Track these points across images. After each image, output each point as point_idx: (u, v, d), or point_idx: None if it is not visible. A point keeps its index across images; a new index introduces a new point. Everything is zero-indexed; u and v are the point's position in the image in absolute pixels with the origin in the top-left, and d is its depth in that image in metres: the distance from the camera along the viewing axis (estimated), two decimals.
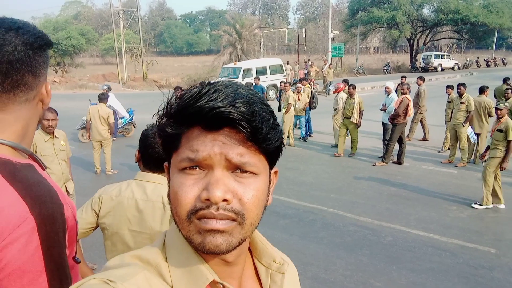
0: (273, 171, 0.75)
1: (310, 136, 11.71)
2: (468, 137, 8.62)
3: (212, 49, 74.44)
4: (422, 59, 37.60)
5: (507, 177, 7.98)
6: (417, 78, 11.23)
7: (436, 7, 37.67)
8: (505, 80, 11.50)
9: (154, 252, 0.72)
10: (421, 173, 8.28)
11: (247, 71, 19.06)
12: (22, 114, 0.96)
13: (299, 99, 10.70)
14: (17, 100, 0.94)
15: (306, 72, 24.39)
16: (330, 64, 22.73)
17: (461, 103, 8.74)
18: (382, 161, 8.85)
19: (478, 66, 41.11)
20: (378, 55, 56.09)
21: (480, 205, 6.45)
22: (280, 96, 13.19)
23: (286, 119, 10.40)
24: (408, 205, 6.62)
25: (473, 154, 8.96)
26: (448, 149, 9.49)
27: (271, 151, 0.69)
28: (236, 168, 0.66)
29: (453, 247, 5.17)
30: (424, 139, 11.07)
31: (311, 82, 17.14)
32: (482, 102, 8.66)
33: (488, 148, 6.71)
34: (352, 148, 9.63)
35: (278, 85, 19.76)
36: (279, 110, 11.32)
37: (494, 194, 6.46)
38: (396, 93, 9.69)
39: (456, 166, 8.61)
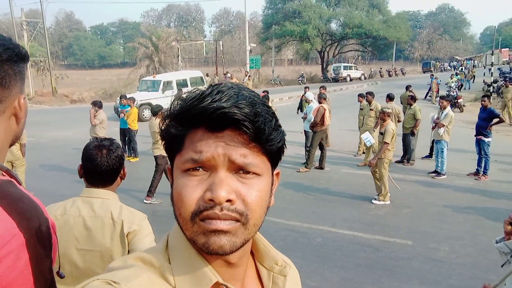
0: (275, 172, 0.75)
1: None
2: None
3: (127, 62, 72.04)
4: (333, 70, 40.17)
5: (421, 176, 8.84)
6: (320, 88, 12.00)
7: (342, 22, 40.61)
8: (407, 88, 12.76)
9: (157, 253, 0.71)
10: (341, 176, 8.83)
11: (167, 84, 18.74)
12: None
13: None
14: None
15: None
16: (249, 76, 23.24)
17: (371, 109, 9.58)
18: (305, 167, 9.26)
19: (381, 76, 44.99)
20: (292, 66, 58.61)
21: (378, 199, 7.17)
22: None
23: None
24: (332, 207, 7.02)
25: None
26: (363, 152, 10.23)
27: (274, 152, 0.69)
28: (239, 169, 0.65)
29: (375, 243, 5.59)
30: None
31: None
32: (394, 108, 9.53)
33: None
34: None
35: None
36: None
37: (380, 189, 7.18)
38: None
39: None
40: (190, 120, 0.66)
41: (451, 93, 20.20)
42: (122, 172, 1.98)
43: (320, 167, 9.38)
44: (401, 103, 11.63)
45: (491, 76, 24.53)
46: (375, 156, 7.23)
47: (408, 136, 9.67)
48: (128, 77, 31.50)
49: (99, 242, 1.84)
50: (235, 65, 47.84)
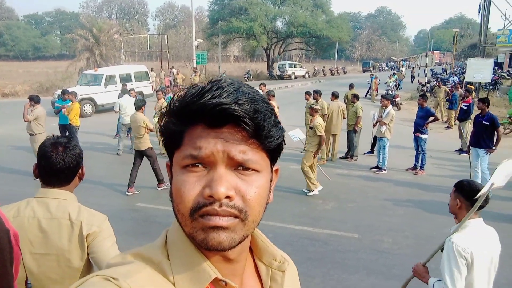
0: (274, 169, 0.75)
1: None
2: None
3: (65, 54, 68.37)
4: (278, 67, 40.77)
5: (364, 171, 9.23)
6: (260, 85, 12.15)
7: (287, 20, 41.22)
8: (351, 86, 13.27)
9: (156, 249, 0.71)
10: (290, 173, 8.99)
11: (110, 78, 18.00)
12: None
13: None
14: None
15: (171, 79, 24.20)
16: (196, 72, 22.96)
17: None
18: None
19: (324, 74, 46.42)
20: (238, 63, 58.71)
21: (309, 191, 7.50)
22: None
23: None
24: (282, 203, 7.15)
25: (331, 152, 10.13)
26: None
27: (273, 148, 0.70)
28: (238, 165, 0.65)
29: (324, 237, 5.78)
30: None
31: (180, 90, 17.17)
32: (339, 105, 9.87)
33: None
34: None
35: (144, 92, 19.20)
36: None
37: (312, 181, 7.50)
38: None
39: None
40: (189, 116, 0.66)
41: (390, 92, 21.32)
42: (80, 171, 1.89)
43: None
44: (345, 102, 12.09)
45: (425, 76, 26.16)
46: (317, 150, 7.49)
47: (351, 133, 10.07)
48: (66, 70, 29.81)
49: (55, 245, 1.74)
50: (180, 60, 46.98)
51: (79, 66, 28.59)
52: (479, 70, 18.39)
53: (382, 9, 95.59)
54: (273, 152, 0.71)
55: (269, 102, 0.71)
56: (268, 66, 43.22)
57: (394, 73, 31.61)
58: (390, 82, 23.81)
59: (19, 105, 9.90)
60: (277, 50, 45.29)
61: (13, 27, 73.70)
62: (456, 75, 28.74)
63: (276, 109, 8.94)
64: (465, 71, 22.71)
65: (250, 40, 40.18)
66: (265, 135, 0.66)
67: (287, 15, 41.21)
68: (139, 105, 7.51)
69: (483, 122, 7.51)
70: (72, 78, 26.03)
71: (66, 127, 9.82)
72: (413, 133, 9.13)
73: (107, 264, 0.69)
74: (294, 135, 8.47)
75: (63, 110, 9.69)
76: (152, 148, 7.50)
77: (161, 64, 31.44)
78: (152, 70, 25.23)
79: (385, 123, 8.80)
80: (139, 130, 7.27)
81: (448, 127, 14.77)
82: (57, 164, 1.78)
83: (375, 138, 9.91)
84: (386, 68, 58.86)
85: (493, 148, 7.46)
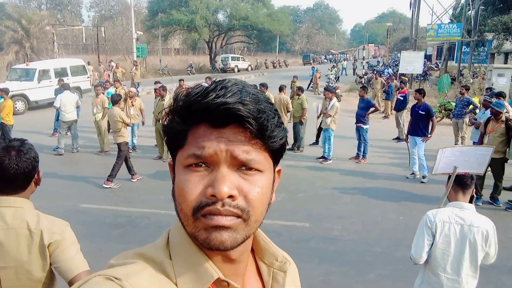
0: (276, 169, 0.75)
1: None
2: None
3: None
4: (221, 60, 40.65)
5: (310, 162, 9.48)
6: (206, 78, 12.13)
7: (229, 13, 41.07)
8: (295, 78, 13.60)
9: (158, 249, 0.71)
10: None
11: (44, 73, 16.93)
12: None
13: (132, 105, 9.85)
14: None
15: (110, 73, 23.26)
16: (137, 65, 22.24)
17: None
18: None
19: (266, 67, 46.95)
20: (180, 56, 57.49)
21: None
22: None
23: (101, 125, 9.71)
24: None
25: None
26: None
27: (276, 148, 0.70)
28: (241, 165, 0.66)
29: (277, 228, 5.89)
30: None
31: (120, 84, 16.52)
32: (281, 99, 10.03)
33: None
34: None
35: (82, 87, 18.32)
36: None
37: None
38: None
39: None
40: (193, 115, 0.66)
41: (330, 84, 22.03)
42: (36, 176, 1.77)
43: None
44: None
45: (363, 68, 27.31)
46: None
47: (297, 125, 10.30)
48: None
49: (13, 257, 1.63)
50: (118, 53, 45.10)
51: (7, 60, 26.65)
52: (411, 63, 19.57)
53: (320, 3, 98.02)
54: (276, 153, 0.72)
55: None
56: (210, 59, 42.87)
57: (334, 65, 32.72)
58: (331, 74, 24.61)
59: None
60: (219, 43, 45.05)
61: None
62: (390, 67, 30.29)
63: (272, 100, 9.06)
64: (398, 63, 24.04)
65: (191, 33, 39.56)
66: (269, 135, 0.67)
67: (228, 7, 41.07)
68: (115, 100, 7.86)
69: (420, 112, 8.01)
70: (0, 73, 24.18)
71: None
72: (355, 123, 9.52)
73: (108, 264, 0.68)
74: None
75: None
76: (127, 143, 7.84)
77: (99, 57, 30.05)
78: (89, 63, 24.07)
79: (330, 115, 9.09)
80: (116, 124, 7.62)
81: (385, 117, 15.57)
82: (11, 170, 1.66)
83: (319, 129, 10.22)
84: (325, 60, 60.73)
85: (429, 136, 7.99)
